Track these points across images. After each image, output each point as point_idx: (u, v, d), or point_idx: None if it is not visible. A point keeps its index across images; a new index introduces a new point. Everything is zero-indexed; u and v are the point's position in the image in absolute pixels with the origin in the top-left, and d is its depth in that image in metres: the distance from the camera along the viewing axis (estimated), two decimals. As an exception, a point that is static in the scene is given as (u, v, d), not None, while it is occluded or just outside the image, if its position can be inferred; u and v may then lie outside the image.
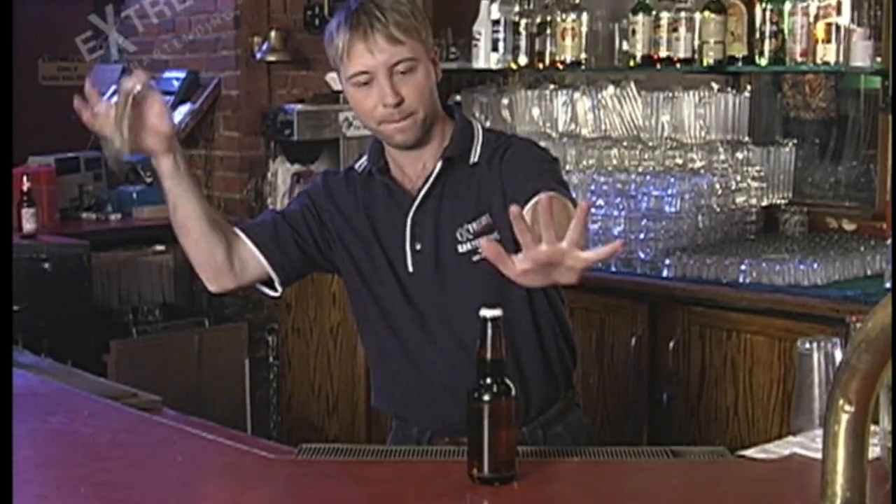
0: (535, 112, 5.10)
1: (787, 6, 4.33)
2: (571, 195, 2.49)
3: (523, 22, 5.14)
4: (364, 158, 2.72)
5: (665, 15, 4.64)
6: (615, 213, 4.31)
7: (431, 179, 2.59)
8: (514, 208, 1.89)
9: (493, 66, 5.26)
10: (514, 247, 1.96)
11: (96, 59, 6.48)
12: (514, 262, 1.90)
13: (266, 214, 2.80)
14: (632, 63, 4.79)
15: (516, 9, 5.19)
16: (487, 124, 4.87)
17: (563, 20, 4.95)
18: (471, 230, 2.57)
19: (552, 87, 5.14)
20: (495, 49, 5.20)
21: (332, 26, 2.54)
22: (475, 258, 2.53)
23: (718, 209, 4.45)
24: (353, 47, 2.48)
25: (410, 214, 2.60)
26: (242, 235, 2.65)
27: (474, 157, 2.61)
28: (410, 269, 2.61)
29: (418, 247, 2.60)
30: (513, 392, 1.98)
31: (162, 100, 2.54)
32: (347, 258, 2.67)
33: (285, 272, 2.68)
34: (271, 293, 2.74)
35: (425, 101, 2.54)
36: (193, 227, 2.59)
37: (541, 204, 1.89)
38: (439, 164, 2.59)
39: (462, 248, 2.57)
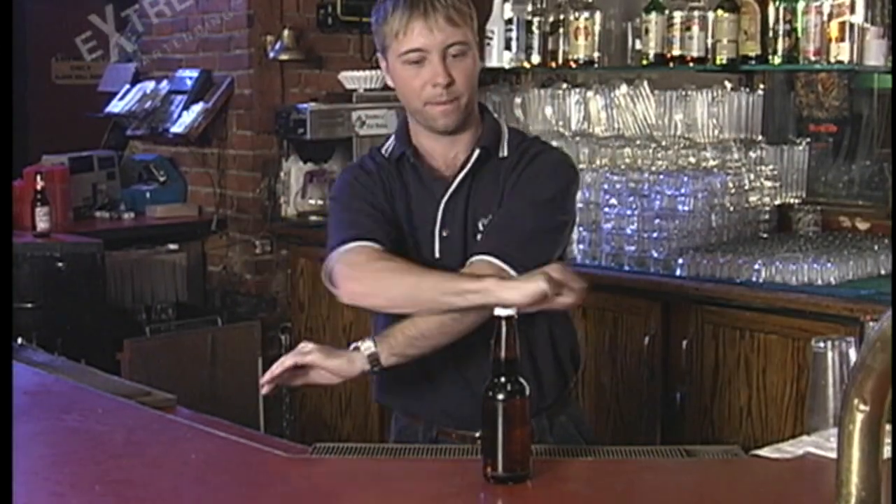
0: (548, 111, 5.10)
1: (801, 5, 4.32)
2: (523, 254, 2.54)
3: (536, 21, 5.13)
4: (391, 142, 2.72)
5: (678, 14, 4.63)
6: (628, 212, 4.31)
7: (467, 168, 2.63)
8: None
9: (506, 65, 5.25)
10: None
11: (96, 58, 6.51)
12: None
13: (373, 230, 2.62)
14: (645, 62, 4.78)
15: (529, 8, 5.19)
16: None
17: (576, 19, 4.95)
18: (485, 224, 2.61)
19: (565, 86, 5.14)
20: (508, 48, 5.20)
21: (386, 5, 2.58)
22: None
23: (732, 208, 4.44)
24: (412, 24, 2.52)
25: (443, 201, 2.63)
26: None
27: (503, 152, 2.65)
28: (437, 255, 2.63)
29: (445, 233, 2.62)
30: (527, 391, 1.98)
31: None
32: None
33: None
34: None
35: (471, 87, 2.59)
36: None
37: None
38: (476, 153, 2.63)
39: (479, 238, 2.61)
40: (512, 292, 2.33)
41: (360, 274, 2.53)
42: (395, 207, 2.65)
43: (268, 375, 2.53)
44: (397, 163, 2.67)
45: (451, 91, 2.55)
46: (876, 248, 4.12)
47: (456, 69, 2.55)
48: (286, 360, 2.52)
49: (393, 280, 2.51)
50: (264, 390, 2.54)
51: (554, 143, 2.88)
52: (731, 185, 4.44)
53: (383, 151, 2.72)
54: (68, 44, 7.04)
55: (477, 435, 2.48)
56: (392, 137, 2.73)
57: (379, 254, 2.53)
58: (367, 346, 2.51)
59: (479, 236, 2.60)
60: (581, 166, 4.67)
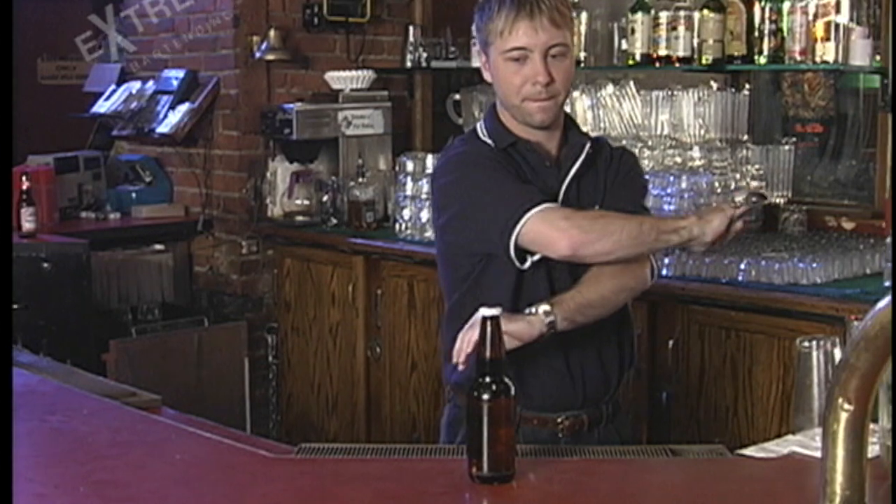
0: (535, 111, 5.09)
1: (786, 5, 4.33)
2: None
3: (522, 21, 5.12)
4: (484, 132, 2.78)
5: (664, 14, 4.64)
6: (614, 211, 4.30)
7: (581, 159, 2.74)
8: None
9: (493, 65, 5.24)
10: None
11: (95, 58, 6.49)
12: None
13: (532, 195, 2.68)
14: (631, 62, 4.79)
15: (516, 8, 5.18)
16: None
17: (562, 19, 4.94)
18: None
19: (551, 85, 5.13)
20: (495, 48, 5.19)
21: (492, 3, 2.68)
22: None
23: (718, 208, 4.44)
24: (518, 24, 2.63)
25: (563, 190, 2.72)
26: None
27: (588, 148, 2.77)
28: None
29: None
30: (512, 391, 1.97)
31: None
32: None
33: None
34: None
35: (567, 87, 2.72)
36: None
37: None
38: (588, 146, 2.75)
39: None
40: (710, 225, 2.67)
41: (577, 224, 2.58)
42: None
43: (462, 355, 2.49)
44: (504, 151, 2.74)
45: (550, 90, 2.65)
46: (861, 247, 4.13)
47: (556, 69, 2.65)
48: (472, 336, 2.45)
49: (615, 224, 2.60)
50: (461, 367, 2.50)
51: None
52: (716, 184, 4.44)
53: (484, 140, 2.78)
54: (55, 44, 7.03)
55: (559, 420, 2.72)
56: (481, 130, 2.80)
57: (575, 209, 2.63)
58: (544, 308, 2.56)
59: None
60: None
